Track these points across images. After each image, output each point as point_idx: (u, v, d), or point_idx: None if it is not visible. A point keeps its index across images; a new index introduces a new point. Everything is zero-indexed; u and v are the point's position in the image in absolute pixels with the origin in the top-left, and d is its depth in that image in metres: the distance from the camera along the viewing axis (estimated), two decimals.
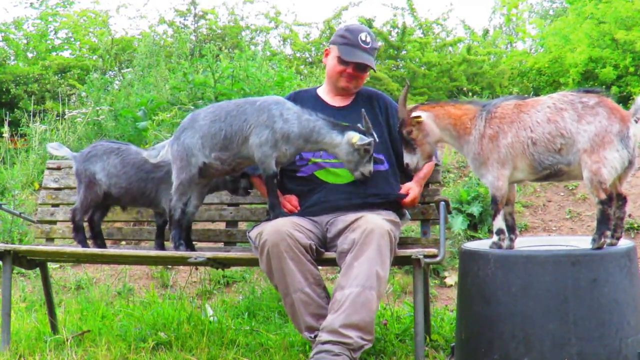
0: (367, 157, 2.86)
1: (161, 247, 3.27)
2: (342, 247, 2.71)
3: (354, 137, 2.81)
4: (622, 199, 2.50)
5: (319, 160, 3.04)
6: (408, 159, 2.79)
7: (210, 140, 2.93)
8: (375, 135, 2.89)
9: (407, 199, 3.02)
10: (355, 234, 2.68)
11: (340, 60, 3.09)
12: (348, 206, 2.94)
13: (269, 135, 2.82)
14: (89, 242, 3.27)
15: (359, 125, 2.86)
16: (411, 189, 3.05)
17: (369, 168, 2.87)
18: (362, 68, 3.11)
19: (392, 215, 2.96)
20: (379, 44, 3.09)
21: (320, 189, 3.00)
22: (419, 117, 2.69)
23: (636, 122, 2.41)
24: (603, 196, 2.39)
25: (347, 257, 2.64)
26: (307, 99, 3.18)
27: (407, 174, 3.06)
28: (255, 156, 2.87)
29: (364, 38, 3.08)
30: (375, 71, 3.27)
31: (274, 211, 2.86)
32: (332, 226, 2.90)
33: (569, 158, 2.47)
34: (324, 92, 3.23)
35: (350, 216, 2.85)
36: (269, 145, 2.83)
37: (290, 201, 3.02)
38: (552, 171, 2.52)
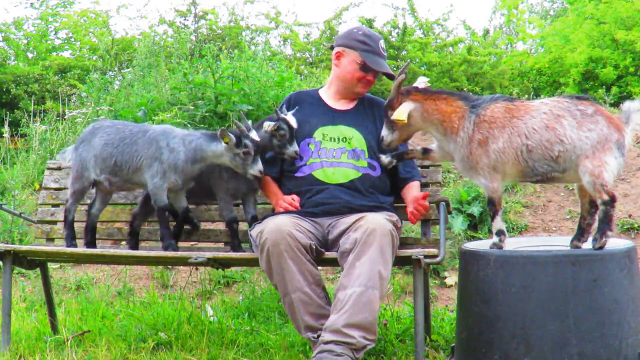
0: (251, 158, 2.86)
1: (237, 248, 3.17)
2: (344, 247, 2.70)
3: (227, 140, 2.85)
4: (595, 207, 2.56)
5: (317, 160, 3.03)
6: (385, 133, 2.74)
7: (102, 162, 3.08)
8: (257, 136, 2.86)
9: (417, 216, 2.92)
10: (357, 233, 2.68)
11: (364, 68, 3.04)
12: (350, 208, 2.94)
13: (158, 167, 2.95)
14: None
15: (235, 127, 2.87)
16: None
17: (257, 167, 2.87)
18: (378, 76, 3.13)
19: (394, 216, 2.95)
20: None
21: (320, 190, 2.99)
22: (402, 120, 2.61)
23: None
24: (606, 197, 2.41)
25: (349, 256, 2.64)
26: (307, 101, 3.17)
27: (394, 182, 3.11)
28: (149, 188, 3.01)
29: (382, 45, 3.10)
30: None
31: (164, 241, 3.03)
32: (334, 228, 2.90)
33: (565, 165, 2.48)
34: (327, 95, 3.19)
35: (352, 217, 2.85)
36: (159, 176, 2.95)
37: (291, 202, 3.01)
38: (544, 178, 2.53)
